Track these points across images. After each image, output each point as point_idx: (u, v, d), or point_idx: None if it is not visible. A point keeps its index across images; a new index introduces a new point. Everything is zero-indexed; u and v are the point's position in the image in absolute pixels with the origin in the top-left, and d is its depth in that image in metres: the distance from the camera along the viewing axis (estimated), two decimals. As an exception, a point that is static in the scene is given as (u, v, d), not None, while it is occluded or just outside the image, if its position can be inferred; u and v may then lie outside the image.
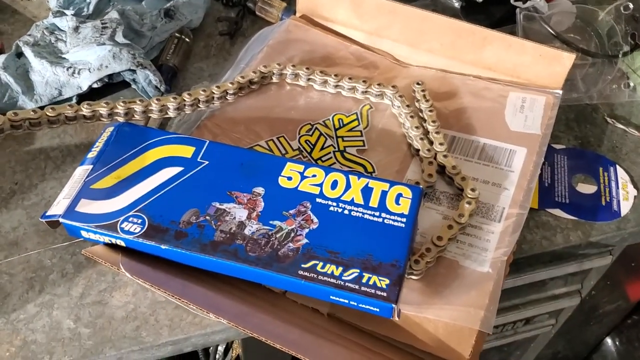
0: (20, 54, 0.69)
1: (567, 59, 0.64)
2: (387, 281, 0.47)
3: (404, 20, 0.70)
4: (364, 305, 0.47)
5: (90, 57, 0.66)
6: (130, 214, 0.51)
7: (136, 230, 0.50)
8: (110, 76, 0.67)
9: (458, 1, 0.76)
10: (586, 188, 0.66)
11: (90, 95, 0.68)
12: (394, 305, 0.46)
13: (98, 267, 0.57)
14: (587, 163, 0.68)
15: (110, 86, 0.69)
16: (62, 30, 0.70)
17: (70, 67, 0.66)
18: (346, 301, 0.48)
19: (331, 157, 0.61)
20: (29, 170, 0.63)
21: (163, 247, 0.49)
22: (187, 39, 0.74)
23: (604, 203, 0.64)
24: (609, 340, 1.24)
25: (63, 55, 0.68)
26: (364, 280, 0.47)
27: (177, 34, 0.74)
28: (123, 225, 0.51)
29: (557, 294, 0.91)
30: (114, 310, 0.54)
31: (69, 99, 0.67)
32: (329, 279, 0.47)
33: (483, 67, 0.69)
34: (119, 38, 0.67)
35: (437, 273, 0.53)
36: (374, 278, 0.47)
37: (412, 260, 0.52)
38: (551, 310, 0.94)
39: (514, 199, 0.57)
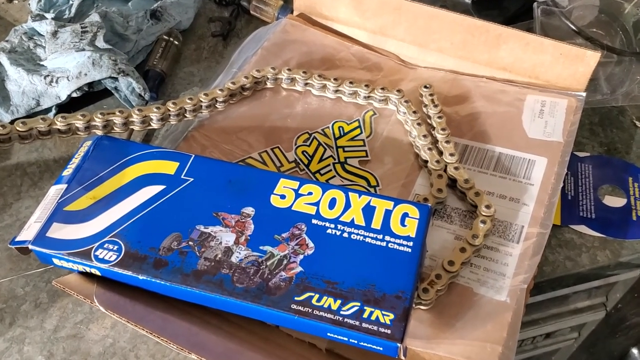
0: (-5, 62, 0.64)
1: (591, 57, 0.58)
2: (392, 316, 0.42)
3: (411, 18, 0.64)
4: (365, 344, 0.42)
5: (69, 64, 0.61)
6: (106, 239, 0.46)
7: (111, 258, 0.45)
8: (91, 85, 0.62)
9: (469, -5, 0.71)
10: (614, 201, 0.60)
11: (71, 105, 0.63)
12: (399, 345, 0.41)
13: (74, 296, 0.52)
14: (615, 172, 0.62)
15: (92, 95, 0.64)
16: (41, 35, 0.65)
17: (48, 76, 0.61)
18: (345, 339, 0.42)
19: (331, 170, 0.56)
20: (3, 188, 0.59)
21: (140, 277, 0.44)
22: (175, 42, 0.69)
23: (634, 217, 0.58)
24: (635, 351, 1.18)
25: (41, 63, 0.63)
26: (365, 315, 0.42)
27: (165, 37, 0.69)
28: (97, 253, 0.45)
29: (580, 308, 0.85)
30: (91, 345, 0.49)
31: (48, 110, 0.62)
32: (325, 314, 0.42)
33: (498, 68, 0.63)
34: (100, 43, 0.62)
35: (449, 302, 0.47)
36: (377, 312, 0.42)
37: (421, 288, 0.46)
38: (574, 324, 0.88)
39: (534, 216, 0.51)
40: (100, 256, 0.45)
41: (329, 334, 0.42)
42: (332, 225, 0.47)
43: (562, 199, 0.59)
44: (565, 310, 0.85)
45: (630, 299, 0.87)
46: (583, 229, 0.57)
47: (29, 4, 0.71)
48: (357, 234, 0.46)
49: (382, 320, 0.41)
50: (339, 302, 0.42)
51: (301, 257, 0.45)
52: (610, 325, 0.97)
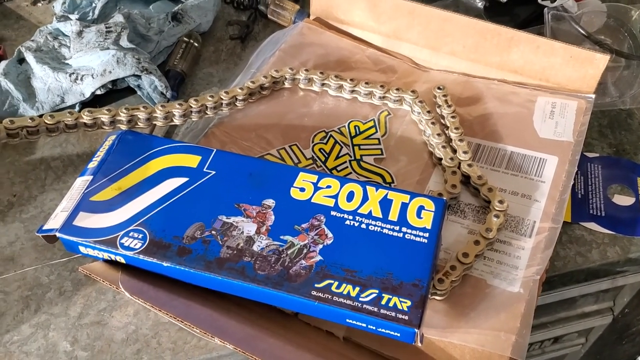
0: (22, 60, 0.66)
1: (600, 60, 0.60)
2: (409, 303, 0.43)
3: (424, 22, 0.66)
4: (383, 330, 0.43)
5: (93, 62, 0.63)
6: (131, 228, 0.48)
7: (137, 246, 0.47)
8: (114, 82, 0.64)
9: (481, 1, 0.72)
10: (623, 199, 0.61)
11: (94, 102, 0.65)
12: (416, 330, 0.42)
13: (98, 284, 0.53)
14: (623, 172, 0.63)
15: (115, 93, 0.66)
16: (66, 35, 0.68)
17: (73, 73, 0.63)
18: (364, 325, 0.43)
19: (347, 167, 0.57)
20: (28, 181, 0.60)
21: (165, 264, 0.46)
22: (195, 44, 0.71)
23: (643, 216, 0.60)
24: (640, 359, 1.18)
25: (66, 61, 0.65)
26: (383, 302, 0.43)
27: (185, 38, 0.71)
28: (123, 241, 0.47)
29: (587, 312, 0.86)
30: (114, 332, 0.50)
31: (72, 107, 0.64)
32: (344, 301, 0.43)
33: (509, 71, 0.64)
34: (124, 42, 0.64)
35: (463, 293, 0.49)
36: (395, 299, 0.43)
37: (436, 279, 0.48)
38: (581, 329, 0.89)
39: (546, 212, 0.53)
40: (126, 244, 0.47)
41: (348, 320, 0.44)
42: (351, 217, 0.48)
43: (572, 197, 0.60)
44: (573, 314, 0.85)
45: (637, 304, 0.88)
46: (593, 226, 0.59)
47: (53, 6, 0.74)
48: (375, 225, 0.48)
49: (399, 307, 0.43)
50: (357, 289, 0.44)
51: (320, 246, 0.46)
52: (617, 331, 0.98)
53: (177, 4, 0.74)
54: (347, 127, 0.61)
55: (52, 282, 0.53)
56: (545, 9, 0.67)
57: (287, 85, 0.64)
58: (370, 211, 0.49)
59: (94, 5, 0.71)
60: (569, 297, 0.75)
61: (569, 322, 0.86)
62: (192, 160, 0.52)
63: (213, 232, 0.47)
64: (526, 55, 0.63)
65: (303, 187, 0.50)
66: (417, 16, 0.66)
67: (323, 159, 0.58)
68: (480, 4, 0.72)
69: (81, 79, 0.63)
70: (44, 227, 0.49)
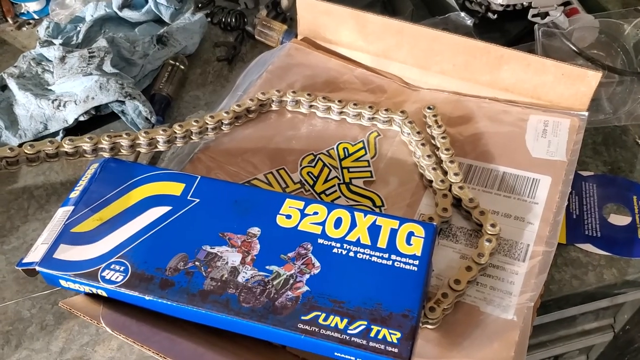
0: (4, 87, 0.65)
1: (593, 77, 0.59)
2: (399, 334, 0.41)
3: (413, 41, 0.65)
4: (372, 363, 0.42)
5: (76, 88, 0.62)
6: (112, 260, 0.46)
7: (118, 279, 0.45)
8: (98, 108, 0.63)
9: (470, 19, 0.71)
10: (619, 219, 0.60)
11: (78, 128, 0.64)
12: (406, 363, 0.40)
13: (80, 317, 0.52)
14: (619, 191, 0.62)
15: (99, 118, 0.65)
16: (49, 60, 0.67)
17: (56, 100, 0.62)
18: (352, 358, 0.42)
19: (336, 191, 0.56)
20: (10, 211, 0.59)
21: (147, 297, 0.44)
22: (181, 66, 0.70)
23: (640, 236, 0.58)
24: (644, 375, 1.16)
25: (49, 87, 0.64)
26: (372, 334, 0.42)
27: (171, 61, 0.70)
28: (104, 274, 0.46)
29: (587, 330, 0.84)
30: (97, 368, 0.49)
31: (56, 133, 0.63)
32: (332, 333, 0.42)
33: (500, 89, 0.63)
34: (107, 67, 0.63)
35: (456, 321, 0.47)
36: (384, 331, 0.42)
37: (427, 307, 0.46)
38: (582, 346, 0.87)
39: (540, 235, 0.51)
40: (107, 277, 0.45)
41: (336, 354, 0.42)
42: (338, 245, 0.47)
43: (567, 217, 0.59)
44: (573, 332, 0.84)
45: (638, 320, 0.86)
46: (589, 247, 0.57)
47: (38, 31, 0.73)
48: (363, 253, 0.46)
49: (389, 339, 0.41)
50: (345, 321, 0.42)
51: (307, 276, 0.45)
52: (618, 348, 0.96)
53: (163, 26, 0.73)
54: (335, 149, 0.60)
55: (34, 316, 0.52)
56: (536, 25, 0.66)
57: (274, 107, 0.63)
58: (359, 238, 0.47)
59: (78, 29, 0.70)
60: (568, 316, 0.74)
61: (569, 340, 0.84)
62: (175, 188, 0.51)
63: (197, 263, 0.46)
64: (517, 73, 0.62)
65: (289, 214, 0.49)
66: (406, 35, 0.65)
67: (311, 182, 0.57)
68: (469, 22, 0.71)
69: (64, 106, 0.62)
70: (24, 260, 0.48)
